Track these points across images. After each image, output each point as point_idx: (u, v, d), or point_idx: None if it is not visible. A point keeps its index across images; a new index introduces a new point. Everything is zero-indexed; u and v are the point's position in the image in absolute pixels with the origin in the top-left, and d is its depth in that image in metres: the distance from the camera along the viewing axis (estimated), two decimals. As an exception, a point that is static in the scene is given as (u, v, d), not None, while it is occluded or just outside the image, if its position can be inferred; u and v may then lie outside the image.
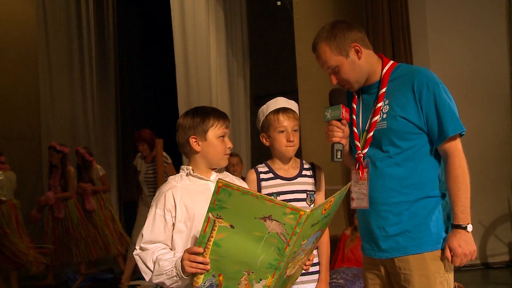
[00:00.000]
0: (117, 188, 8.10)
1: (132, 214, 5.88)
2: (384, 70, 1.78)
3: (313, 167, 2.06)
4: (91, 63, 7.68)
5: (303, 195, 1.97)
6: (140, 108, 7.42)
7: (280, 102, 2.01)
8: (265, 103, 2.04)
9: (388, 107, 1.74)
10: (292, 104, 2.02)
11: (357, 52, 1.76)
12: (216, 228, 1.39)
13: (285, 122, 1.96)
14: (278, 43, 7.40)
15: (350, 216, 4.52)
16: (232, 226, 1.37)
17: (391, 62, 1.81)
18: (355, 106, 1.87)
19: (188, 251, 1.49)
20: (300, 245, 1.39)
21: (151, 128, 4.91)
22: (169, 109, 7.79)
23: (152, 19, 7.43)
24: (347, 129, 1.79)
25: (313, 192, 2.01)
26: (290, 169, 2.02)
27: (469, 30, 4.69)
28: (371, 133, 1.76)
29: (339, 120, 1.77)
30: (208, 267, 1.45)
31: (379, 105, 1.75)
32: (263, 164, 2.06)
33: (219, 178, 1.37)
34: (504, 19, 4.69)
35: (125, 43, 7.47)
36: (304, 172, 2.03)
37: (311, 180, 2.02)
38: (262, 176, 2.00)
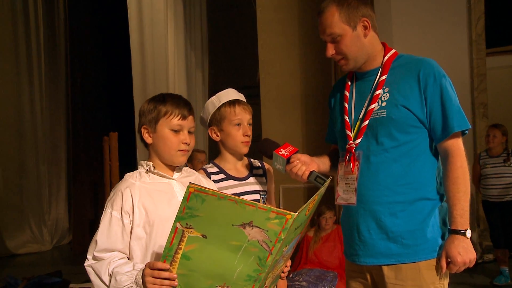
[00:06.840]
0: (67, 186, 7.69)
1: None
2: (386, 57, 1.67)
3: (262, 166, 1.94)
4: (39, 53, 7.24)
5: (257, 196, 1.83)
6: (93, 102, 7.05)
7: (232, 94, 1.86)
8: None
9: (388, 95, 1.61)
10: (242, 97, 1.89)
11: (365, 28, 1.64)
12: (185, 239, 1.20)
13: (242, 114, 1.81)
14: (238, 36, 7.27)
15: (312, 216, 4.44)
16: (204, 236, 1.19)
17: (393, 50, 1.70)
18: (347, 94, 1.74)
19: (151, 266, 1.29)
20: (282, 252, 1.25)
21: (104, 122, 4.59)
22: (124, 103, 7.47)
23: (108, 9, 7.08)
24: (303, 157, 1.69)
25: (265, 193, 1.88)
26: (241, 168, 1.88)
27: (431, 19, 4.78)
28: (366, 122, 1.63)
29: (289, 162, 1.68)
30: (175, 283, 1.27)
31: (377, 92, 1.62)
32: (211, 164, 1.88)
33: (190, 183, 1.16)
34: (465, 8, 4.81)
35: (78, 33, 7.07)
36: (255, 172, 1.90)
37: (262, 179, 1.90)
38: (213, 177, 1.81)
